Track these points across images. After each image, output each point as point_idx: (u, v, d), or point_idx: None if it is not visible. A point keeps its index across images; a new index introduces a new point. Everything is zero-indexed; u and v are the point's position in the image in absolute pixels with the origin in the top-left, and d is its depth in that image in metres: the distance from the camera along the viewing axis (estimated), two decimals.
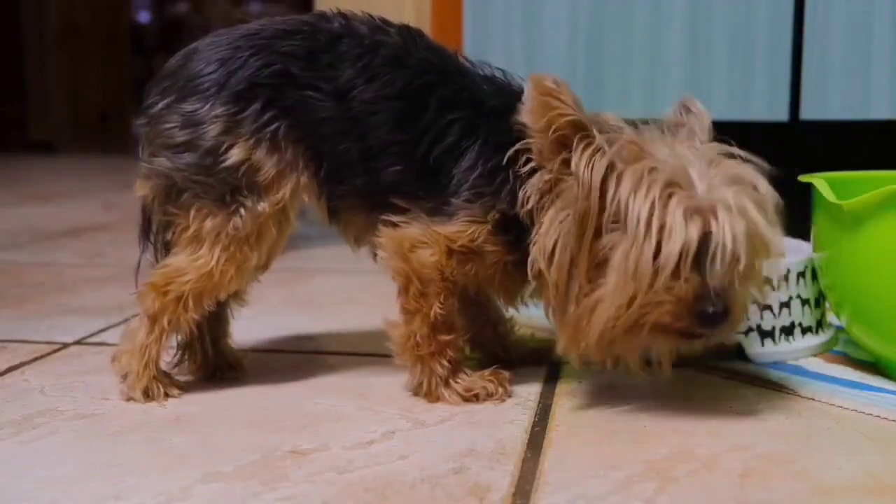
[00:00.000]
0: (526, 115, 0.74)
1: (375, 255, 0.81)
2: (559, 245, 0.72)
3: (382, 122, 0.78)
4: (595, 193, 0.70)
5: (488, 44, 1.47)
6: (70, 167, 4.00)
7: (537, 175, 0.75)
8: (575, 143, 0.72)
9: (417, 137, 0.78)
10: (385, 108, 0.78)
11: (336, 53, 0.79)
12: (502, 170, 0.76)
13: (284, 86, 0.78)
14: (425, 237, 0.78)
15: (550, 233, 0.73)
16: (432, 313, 0.78)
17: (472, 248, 0.78)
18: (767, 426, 0.74)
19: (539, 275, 0.74)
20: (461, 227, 0.77)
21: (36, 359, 0.94)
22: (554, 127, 0.72)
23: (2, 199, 2.63)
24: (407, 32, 0.82)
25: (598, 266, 0.71)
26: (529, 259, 0.75)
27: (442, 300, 0.78)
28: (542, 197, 0.74)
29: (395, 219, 0.79)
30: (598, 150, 0.71)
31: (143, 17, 5.68)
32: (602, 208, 0.71)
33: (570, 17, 1.44)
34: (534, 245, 0.74)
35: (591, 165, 0.71)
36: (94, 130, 5.01)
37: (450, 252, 0.77)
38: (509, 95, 0.79)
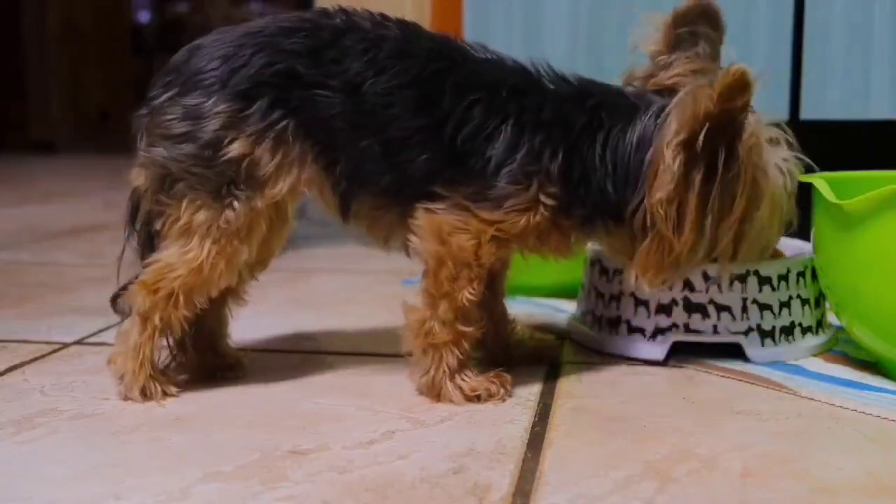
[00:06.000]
0: (710, 98, 0.74)
1: (407, 247, 0.81)
2: (707, 215, 0.78)
3: (401, 111, 0.78)
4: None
5: (488, 44, 1.47)
6: (70, 167, 4.01)
7: (674, 161, 0.76)
8: (739, 128, 0.77)
9: (440, 122, 0.78)
10: (400, 98, 0.78)
11: (340, 49, 0.79)
12: (546, 144, 0.78)
13: (290, 84, 0.78)
14: (465, 224, 0.78)
15: (671, 198, 0.76)
16: (461, 297, 0.78)
17: (516, 234, 0.79)
18: (767, 426, 0.74)
19: (642, 228, 0.79)
20: (509, 217, 0.78)
21: (36, 359, 0.94)
22: (739, 116, 0.76)
23: (2, 199, 2.63)
24: (405, 26, 0.82)
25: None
26: (636, 220, 0.79)
27: (474, 286, 0.79)
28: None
29: (431, 206, 0.79)
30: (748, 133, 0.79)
31: (143, 17, 5.68)
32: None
33: (570, 17, 1.44)
34: (646, 210, 0.78)
35: (747, 146, 0.78)
36: (94, 130, 5.02)
37: (492, 238, 0.78)
38: (524, 74, 0.81)
